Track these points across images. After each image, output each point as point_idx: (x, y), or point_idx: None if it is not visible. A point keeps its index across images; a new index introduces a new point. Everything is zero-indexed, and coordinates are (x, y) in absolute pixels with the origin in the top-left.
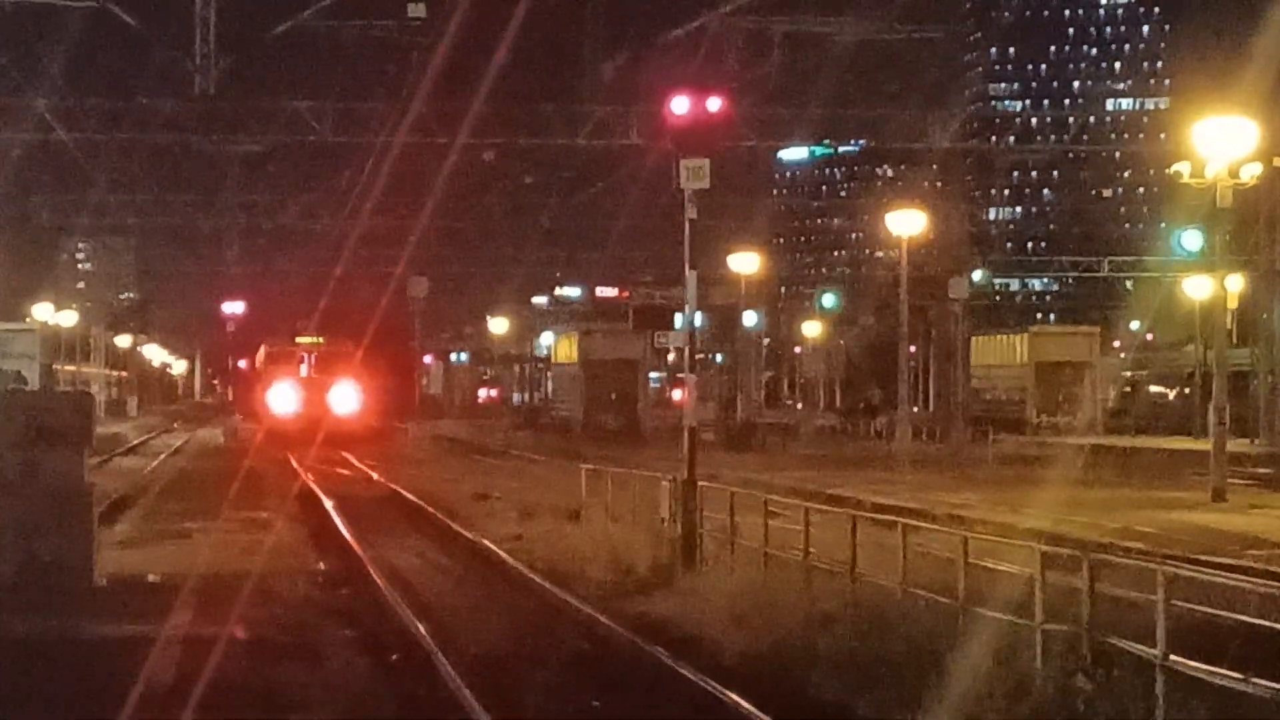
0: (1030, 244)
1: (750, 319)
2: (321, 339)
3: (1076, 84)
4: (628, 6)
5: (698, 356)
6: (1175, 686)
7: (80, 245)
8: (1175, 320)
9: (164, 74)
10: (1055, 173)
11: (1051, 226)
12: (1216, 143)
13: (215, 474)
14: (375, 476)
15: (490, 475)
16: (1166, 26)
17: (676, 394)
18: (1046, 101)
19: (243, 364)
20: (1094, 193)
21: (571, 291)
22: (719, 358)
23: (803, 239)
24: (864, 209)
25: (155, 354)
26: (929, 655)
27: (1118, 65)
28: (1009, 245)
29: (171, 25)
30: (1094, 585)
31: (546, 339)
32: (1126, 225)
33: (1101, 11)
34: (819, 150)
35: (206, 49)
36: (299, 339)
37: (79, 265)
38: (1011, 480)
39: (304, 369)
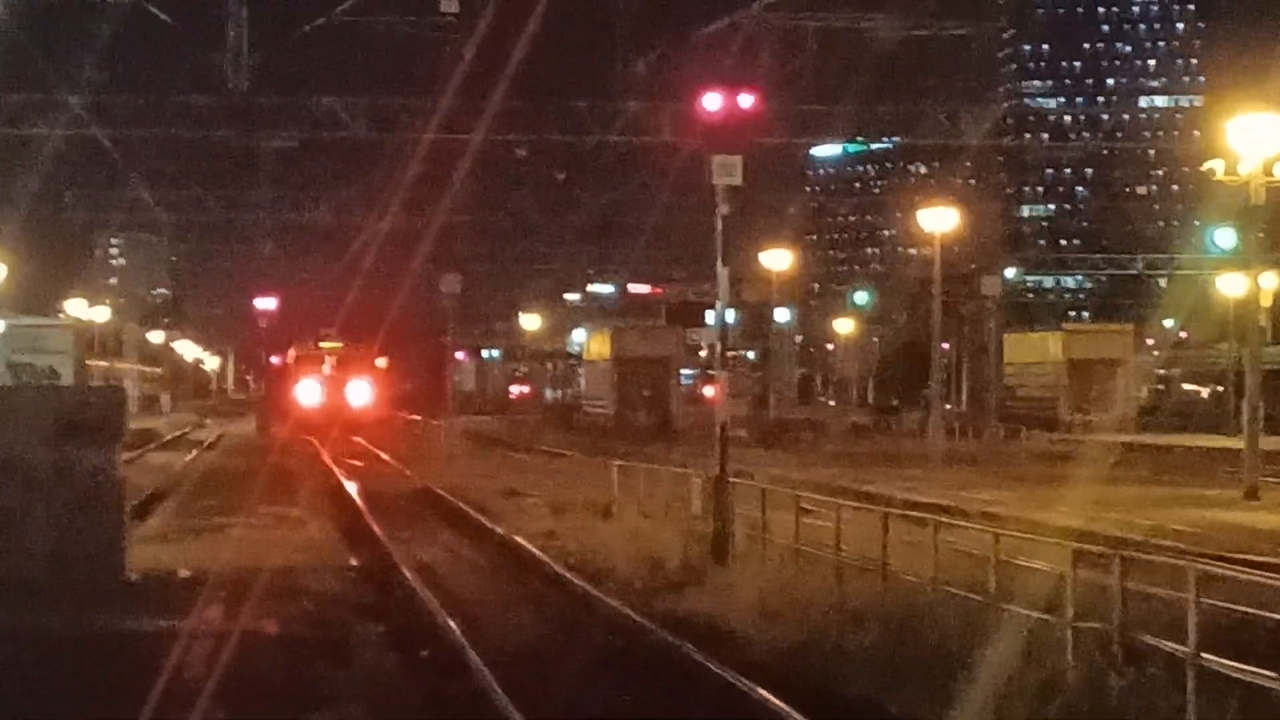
0: (1064, 241)
1: (783, 316)
2: (341, 344)
3: (1110, 81)
4: (660, 3)
5: (730, 353)
6: (1206, 684)
7: (113, 241)
8: (1209, 318)
9: (197, 70)
10: (1089, 170)
11: (1085, 224)
12: (1251, 140)
13: (247, 469)
14: (407, 472)
15: (522, 471)
16: (1200, 23)
17: (708, 391)
18: (1080, 99)
19: (275, 359)
20: (1128, 190)
21: (604, 288)
22: (751, 355)
23: (835, 236)
24: (897, 206)
25: (188, 350)
26: (959, 652)
27: (1151, 62)
28: (1042, 243)
29: (205, 22)
30: (1125, 583)
31: (579, 335)
32: (1160, 223)
33: (1135, 8)
34: (852, 147)
35: (239, 45)
36: (322, 344)
37: (112, 261)
38: (1044, 477)
39: (326, 368)
